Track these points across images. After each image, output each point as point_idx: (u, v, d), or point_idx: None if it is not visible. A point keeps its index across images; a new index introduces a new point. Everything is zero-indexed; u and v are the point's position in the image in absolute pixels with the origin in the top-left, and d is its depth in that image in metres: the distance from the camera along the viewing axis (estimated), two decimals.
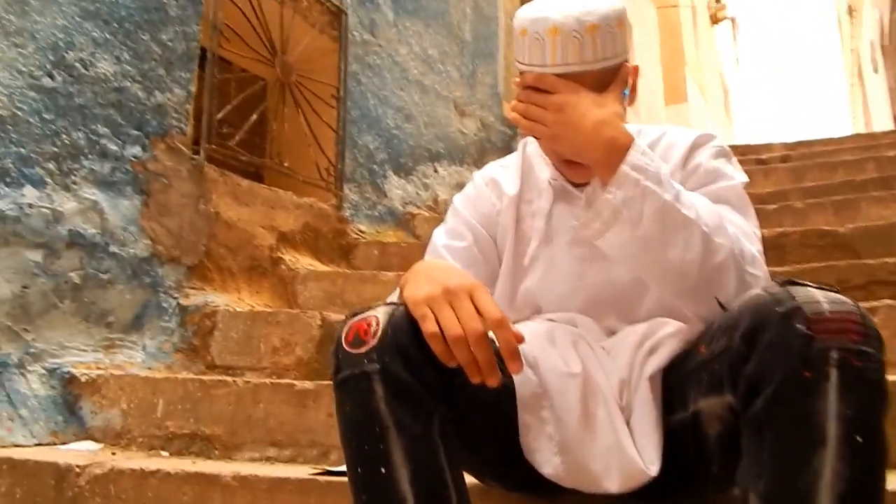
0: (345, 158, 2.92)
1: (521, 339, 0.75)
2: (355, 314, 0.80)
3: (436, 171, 3.62)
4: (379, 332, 0.75)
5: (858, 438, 0.64)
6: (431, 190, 3.54)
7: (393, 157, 3.30)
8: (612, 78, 0.88)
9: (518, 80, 0.92)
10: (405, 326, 0.76)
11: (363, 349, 0.75)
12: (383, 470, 0.74)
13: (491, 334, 0.75)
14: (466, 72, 4.06)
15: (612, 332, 0.98)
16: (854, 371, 0.65)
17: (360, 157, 3.08)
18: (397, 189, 3.29)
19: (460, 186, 1.14)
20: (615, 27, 0.87)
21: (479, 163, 3.96)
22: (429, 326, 0.73)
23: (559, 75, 0.86)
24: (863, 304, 1.59)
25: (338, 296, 2.30)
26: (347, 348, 0.76)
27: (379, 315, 0.77)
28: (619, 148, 0.82)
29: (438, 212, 3.38)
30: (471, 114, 4.04)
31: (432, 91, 3.69)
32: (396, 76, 3.41)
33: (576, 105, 0.84)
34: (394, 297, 0.89)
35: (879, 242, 2.26)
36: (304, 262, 2.47)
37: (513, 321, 1.07)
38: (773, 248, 2.28)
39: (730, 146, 1.05)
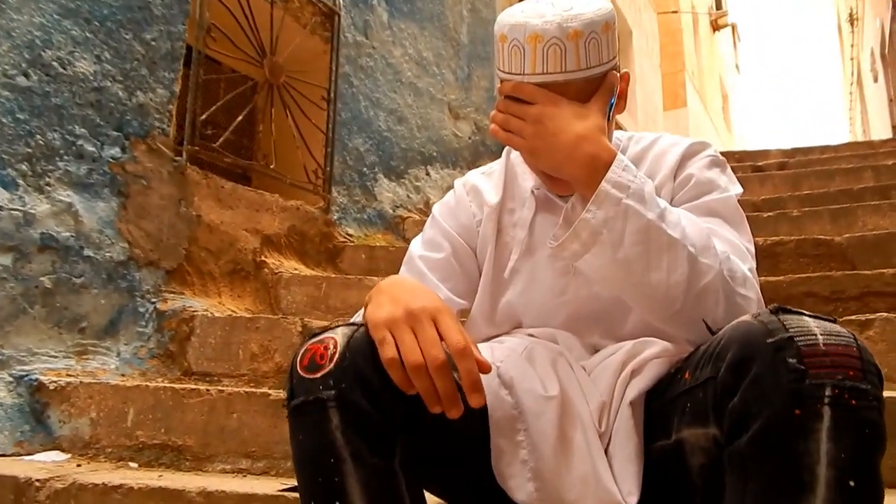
0: (334, 161, 2.86)
1: (486, 369, 0.70)
2: (314, 335, 0.74)
3: (428, 174, 3.57)
4: (336, 356, 0.70)
5: (851, 483, 0.58)
6: (423, 193, 3.49)
7: (384, 160, 3.25)
8: (598, 87, 0.83)
9: (499, 87, 0.87)
10: (365, 350, 0.70)
11: (318, 374, 0.69)
12: None
13: None
14: (462, 74, 4.01)
15: (595, 349, 0.94)
16: (849, 410, 0.59)
17: (349, 160, 3.02)
18: (387, 192, 3.24)
19: None
20: (601, 33, 0.82)
21: (472, 166, 3.91)
22: (387, 352, 0.68)
23: (539, 84, 0.80)
24: (858, 317, 1.57)
25: (321, 301, 2.25)
26: (302, 373, 0.70)
27: (337, 337, 0.72)
28: (599, 165, 0.77)
29: (429, 215, 3.32)
30: (465, 117, 3.99)
31: (426, 93, 3.64)
32: (389, 78, 3.36)
33: (555, 117, 0.79)
34: (358, 317, 0.84)
35: (876, 253, 2.22)
36: (288, 266, 2.41)
37: (492, 335, 1.03)
38: (768, 257, 2.24)
39: (727, 152, 1.00)
